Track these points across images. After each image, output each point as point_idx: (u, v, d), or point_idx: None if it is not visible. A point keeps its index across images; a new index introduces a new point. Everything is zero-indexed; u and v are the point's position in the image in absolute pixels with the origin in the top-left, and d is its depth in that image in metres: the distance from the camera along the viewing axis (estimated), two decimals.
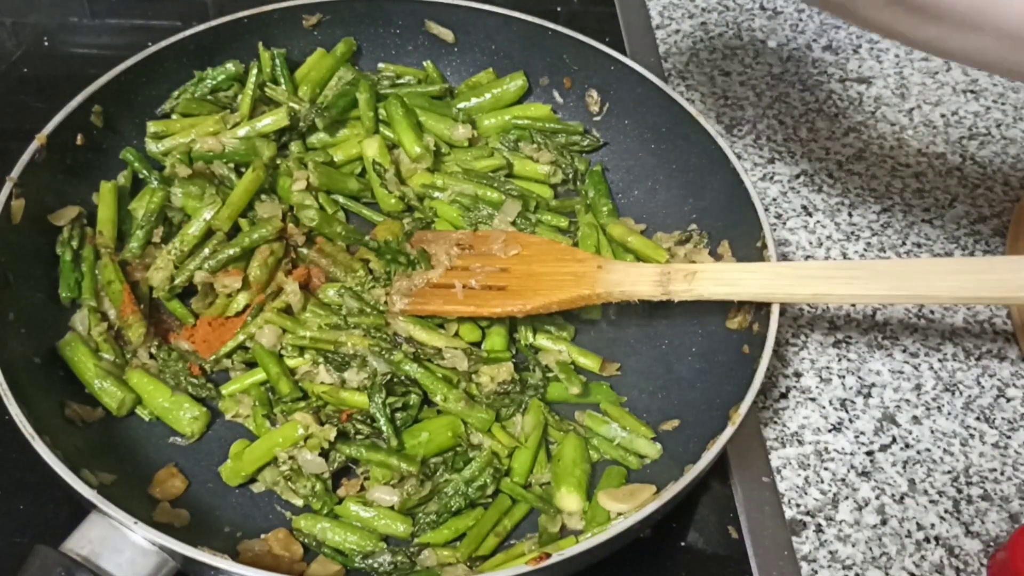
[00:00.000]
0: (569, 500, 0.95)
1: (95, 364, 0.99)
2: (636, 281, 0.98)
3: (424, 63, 1.31)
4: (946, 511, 1.01)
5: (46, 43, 1.43)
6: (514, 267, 1.05)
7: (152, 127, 1.17)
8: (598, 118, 1.26)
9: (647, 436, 1.01)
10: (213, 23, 1.20)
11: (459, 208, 1.18)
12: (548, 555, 0.79)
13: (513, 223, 1.15)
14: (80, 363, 0.99)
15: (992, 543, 0.99)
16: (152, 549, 0.78)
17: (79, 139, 1.10)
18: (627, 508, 0.90)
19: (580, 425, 1.03)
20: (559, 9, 1.52)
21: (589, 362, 1.08)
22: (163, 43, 1.17)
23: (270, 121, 1.17)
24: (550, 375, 1.06)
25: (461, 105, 1.27)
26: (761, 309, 0.99)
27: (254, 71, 1.20)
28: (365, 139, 1.22)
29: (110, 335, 1.03)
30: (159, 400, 1.00)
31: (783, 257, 1.22)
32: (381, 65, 1.31)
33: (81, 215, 1.08)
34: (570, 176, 1.23)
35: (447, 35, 1.29)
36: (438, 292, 1.06)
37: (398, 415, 1.00)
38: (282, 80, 1.23)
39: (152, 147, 1.17)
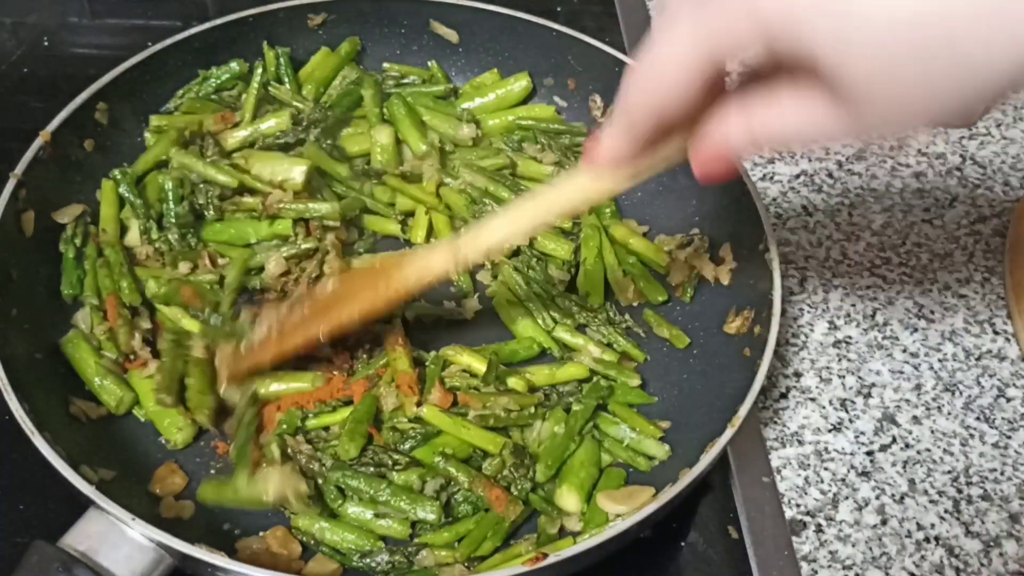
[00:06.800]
0: (569, 499, 0.95)
1: (96, 362, 0.99)
2: (430, 263, 0.92)
3: (429, 63, 1.31)
4: (946, 511, 1.01)
5: (46, 43, 1.43)
6: (326, 297, 1.00)
7: (155, 121, 1.17)
8: (602, 120, 1.27)
9: (654, 436, 1.01)
10: (218, 21, 1.20)
11: (466, 198, 1.18)
12: (545, 555, 0.79)
13: None
14: (81, 360, 0.99)
15: (992, 543, 0.99)
16: (150, 546, 0.78)
17: (88, 144, 1.10)
18: (625, 510, 0.90)
19: (596, 429, 1.03)
20: (559, 9, 1.52)
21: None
22: (168, 41, 1.17)
23: (272, 123, 1.17)
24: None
25: (465, 105, 1.27)
26: (762, 312, 0.99)
27: (258, 70, 1.21)
28: (377, 126, 1.21)
29: (113, 333, 1.03)
30: (152, 403, 1.00)
31: (783, 257, 1.22)
32: (386, 65, 1.31)
33: (85, 213, 1.09)
34: None
35: (451, 35, 1.29)
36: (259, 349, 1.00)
37: None
38: (286, 79, 1.23)
39: (152, 141, 1.16)
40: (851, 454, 1.05)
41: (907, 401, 1.10)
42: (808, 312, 1.18)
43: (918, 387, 1.11)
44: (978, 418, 1.09)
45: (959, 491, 1.03)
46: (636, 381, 1.06)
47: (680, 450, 1.00)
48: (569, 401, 1.03)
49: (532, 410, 1.01)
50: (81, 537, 0.78)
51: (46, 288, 1.04)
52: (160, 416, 0.99)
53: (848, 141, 0.80)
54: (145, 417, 1.00)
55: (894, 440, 1.07)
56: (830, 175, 1.32)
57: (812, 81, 0.60)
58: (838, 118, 0.60)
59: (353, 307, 0.95)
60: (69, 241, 1.06)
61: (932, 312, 1.18)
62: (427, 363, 1.04)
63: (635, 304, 1.14)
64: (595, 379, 1.05)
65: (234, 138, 1.17)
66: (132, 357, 1.02)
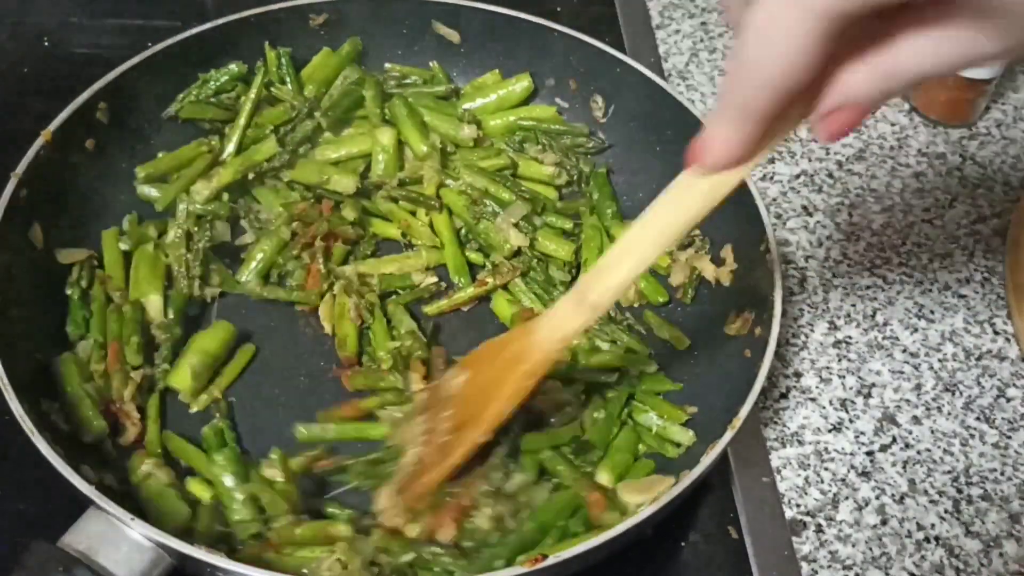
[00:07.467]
0: (604, 477, 0.96)
1: (79, 384, 0.97)
2: (563, 319, 0.84)
3: (430, 63, 1.31)
4: (946, 511, 1.01)
5: (46, 43, 1.43)
6: (465, 393, 0.93)
7: (141, 172, 1.14)
8: (603, 120, 1.27)
9: (678, 421, 1.01)
10: (218, 21, 1.20)
11: (466, 199, 1.18)
12: (544, 556, 0.79)
13: (516, 224, 1.15)
14: (68, 381, 0.97)
15: (992, 543, 0.99)
16: (149, 546, 0.78)
17: (89, 144, 1.10)
18: (643, 499, 0.91)
19: (630, 418, 1.04)
20: (559, 9, 1.52)
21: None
22: (169, 40, 1.17)
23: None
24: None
25: (467, 106, 1.27)
26: (763, 314, 0.99)
27: (260, 73, 1.20)
28: (378, 127, 1.21)
29: (108, 376, 1.00)
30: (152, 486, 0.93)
31: (783, 257, 1.22)
32: (388, 65, 1.31)
33: (91, 258, 1.08)
34: (575, 178, 1.23)
35: (453, 36, 1.29)
36: (417, 476, 0.92)
37: None
38: (288, 79, 1.23)
39: (144, 191, 1.15)
40: (851, 454, 1.05)
41: (907, 401, 1.10)
42: (808, 312, 1.18)
43: (918, 387, 1.11)
44: (978, 418, 1.09)
45: (959, 491, 1.03)
46: (653, 367, 1.06)
47: None
48: (604, 392, 1.04)
49: (581, 398, 1.02)
50: (81, 537, 0.77)
51: (47, 287, 1.04)
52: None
53: (994, 61, 0.71)
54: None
55: (894, 440, 1.07)
56: (830, 175, 1.32)
57: (946, 5, 0.54)
58: (983, 36, 0.54)
59: (499, 402, 0.86)
60: (75, 284, 1.04)
61: (932, 312, 1.18)
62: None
63: (636, 305, 1.14)
64: (625, 368, 1.06)
65: (219, 177, 1.14)
66: (119, 404, 0.99)
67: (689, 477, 0.86)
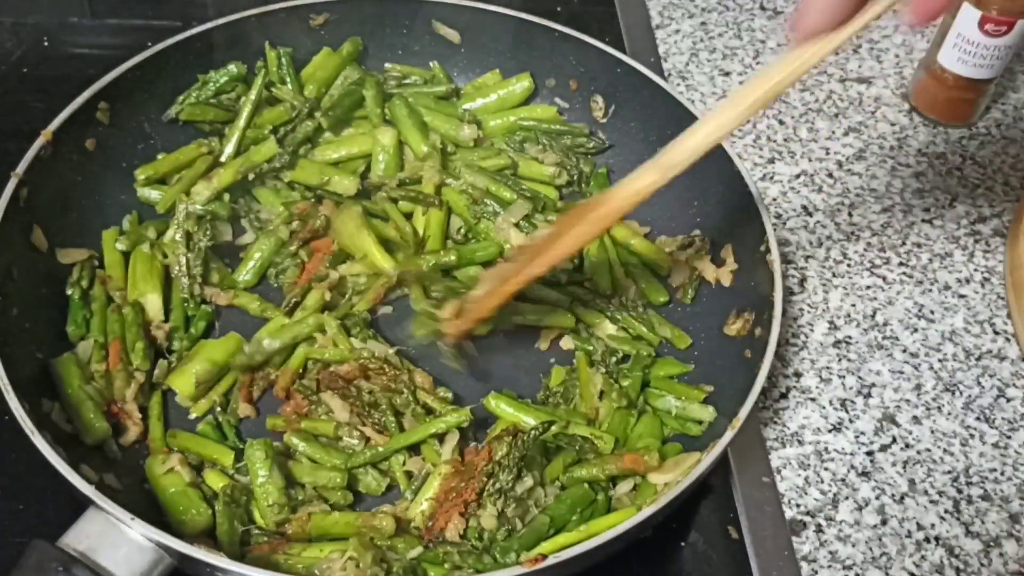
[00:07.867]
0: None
1: (79, 386, 0.96)
2: (638, 177, 0.90)
3: (431, 63, 1.31)
4: (946, 511, 1.01)
5: (46, 43, 1.43)
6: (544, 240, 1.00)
7: (141, 174, 1.14)
8: (603, 120, 1.27)
9: (698, 399, 1.03)
10: (219, 21, 1.20)
11: (467, 199, 1.18)
12: (544, 557, 0.80)
13: (517, 224, 1.15)
14: (68, 382, 0.97)
15: (992, 543, 0.99)
16: (149, 545, 0.78)
17: (90, 144, 1.10)
18: (672, 478, 0.92)
19: (647, 404, 1.05)
20: (559, 9, 1.52)
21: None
22: (170, 40, 1.17)
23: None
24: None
25: (467, 106, 1.27)
26: (763, 314, 0.99)
27: (260, 74, 1.20)
28: (379, 128, 1.21)
29: (109, 376, 1.00)
30: (171, 488, 0.94)
31: (783, 257, 1.22)
32: (388, 65, 1.31)
33: (92, 257, 1.08)
34: (575, 178, 1.23)
35: (454, 36, 1.29)
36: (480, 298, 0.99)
37: None
38: (288, 79, 1.23)
39: (144, 193, 1.15)
40: (851, 454, 1.05)
41: (907, 401, 1.10)
42: (808, 312, 1.18)
43: (918, 387, 1.11)
44: (978, 418, 1.09)
45: (959, 491, 1.03)
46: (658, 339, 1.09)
47: (682, 451, 1.00)
48: (619, 379, 1.05)
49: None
50: (80, 537, 0.77)
51: (47, 287, 1.04)
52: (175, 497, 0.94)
53: None
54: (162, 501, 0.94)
55: (894, 440, 1.07)
56: (830, 175, 1.32)
57: None
58: None
59: (569, 241, 0.94)
60: (75, 284, 1.04)
61: (932, 312, 1.18)
62: None
63: (639, 308, 1.14)
64: (636, 351, 1.08)
65: (219, 178, 1.14)
66: (120, 404, 0.99)
67: (690, 476, 0.86)
